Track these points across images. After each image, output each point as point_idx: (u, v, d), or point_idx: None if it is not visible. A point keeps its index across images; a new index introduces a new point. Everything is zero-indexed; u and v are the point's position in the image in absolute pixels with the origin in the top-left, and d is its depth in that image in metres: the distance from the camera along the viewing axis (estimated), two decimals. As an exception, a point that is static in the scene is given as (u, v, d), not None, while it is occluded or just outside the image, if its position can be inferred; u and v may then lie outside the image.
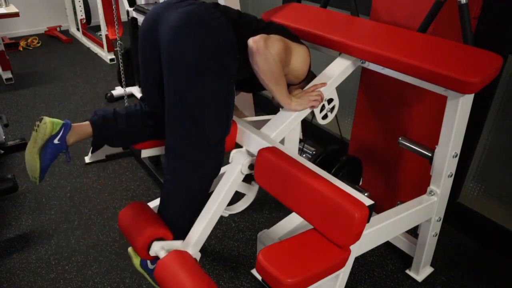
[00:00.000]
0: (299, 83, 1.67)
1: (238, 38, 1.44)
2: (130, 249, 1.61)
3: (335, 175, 1.72)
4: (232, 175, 1.52)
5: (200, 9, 1.41)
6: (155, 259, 1.54)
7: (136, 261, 1.58)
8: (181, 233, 1.59)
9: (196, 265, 1.40)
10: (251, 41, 1.40)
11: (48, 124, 1.49)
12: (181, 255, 1.43)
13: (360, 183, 1.94)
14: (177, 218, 1.60)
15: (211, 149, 1.51)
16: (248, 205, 1.71)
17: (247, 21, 1.52)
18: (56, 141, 1.51)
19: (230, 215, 2.20)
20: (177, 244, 1.54)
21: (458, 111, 1.43)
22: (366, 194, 1.66)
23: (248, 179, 1.61)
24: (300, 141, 1.88)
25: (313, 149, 2.08)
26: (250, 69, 1.48)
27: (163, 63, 1.45)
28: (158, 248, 1.49)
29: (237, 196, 1.65)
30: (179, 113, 1.47)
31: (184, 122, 1.47)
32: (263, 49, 1.39)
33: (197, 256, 1.55)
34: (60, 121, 1.53)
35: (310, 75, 1.70)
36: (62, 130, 1.52)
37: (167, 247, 1.51)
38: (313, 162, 1.75)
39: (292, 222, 1.79)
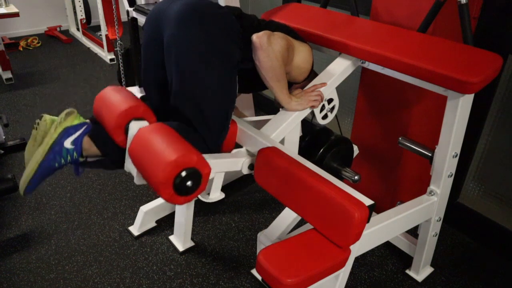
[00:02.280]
0: (301, 82, 1.67)
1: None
2: (49, 117, 1.26)
3: (324, 155, 1.69)
4: (233, 160, 1.46)
5: (203, 0, 1.44)
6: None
7: (53, 134, 1.26)
8: None
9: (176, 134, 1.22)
10: (255, 37, 1.41)
11: (48, 120, 1.44)
12: (160, 126, 1.22)
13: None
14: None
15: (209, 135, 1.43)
16: (216, 200, 1.54)
17: (249, 20, 1.53)
18: (69, 144, 1.31)
19: (230, 215, 2.21)
20: None
21: (458, 111, 1.43)
22: (356, 177, 1.66)
23: (226, 192, 1.51)
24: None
25: None
26: (252, 63, 1.48)
27: (166, 53, 1.43)
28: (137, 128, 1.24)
29: (241, 197, 1.65)
30: (180, 99, 1.42)
31: (185, 109, 1.41)
32: (266, 45, 1.40)
33: None
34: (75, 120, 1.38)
35: (313, 74, 1.70)
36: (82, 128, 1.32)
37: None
38: (301, 141, 1.71)
39: (288, 218, 1.77)
